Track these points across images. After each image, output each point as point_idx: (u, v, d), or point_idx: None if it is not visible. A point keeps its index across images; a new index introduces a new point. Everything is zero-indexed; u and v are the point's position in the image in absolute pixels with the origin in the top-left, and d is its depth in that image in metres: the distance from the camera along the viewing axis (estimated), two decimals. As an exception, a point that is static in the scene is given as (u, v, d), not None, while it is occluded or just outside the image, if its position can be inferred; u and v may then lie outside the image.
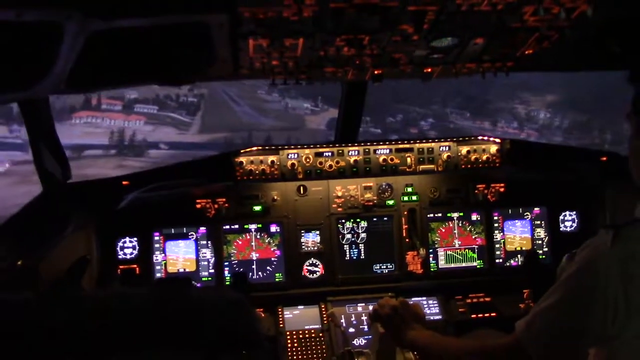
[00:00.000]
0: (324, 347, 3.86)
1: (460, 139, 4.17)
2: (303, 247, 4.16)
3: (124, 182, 3.98)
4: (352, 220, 4.20)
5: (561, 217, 4.39)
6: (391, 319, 2.64)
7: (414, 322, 2.59)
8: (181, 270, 4.09)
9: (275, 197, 4.15)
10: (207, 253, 4.12)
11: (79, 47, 2.17)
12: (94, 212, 3.86)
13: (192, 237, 4.12)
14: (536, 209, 4.36)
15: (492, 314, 4.09)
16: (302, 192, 4.17)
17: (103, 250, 3.93)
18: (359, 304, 4.06)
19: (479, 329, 3.81)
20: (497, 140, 4.18)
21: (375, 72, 3.37)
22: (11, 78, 2.20)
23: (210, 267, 4.12)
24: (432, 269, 4.24)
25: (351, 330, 3.94)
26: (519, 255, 4.31)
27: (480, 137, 4.20)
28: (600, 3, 2.58)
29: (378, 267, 4.21)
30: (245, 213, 4.14)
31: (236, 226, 4.15)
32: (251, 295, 3.72)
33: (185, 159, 4.83)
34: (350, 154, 4.04)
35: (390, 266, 4.21)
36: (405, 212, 4.22)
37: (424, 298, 4.14)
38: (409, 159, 4.08)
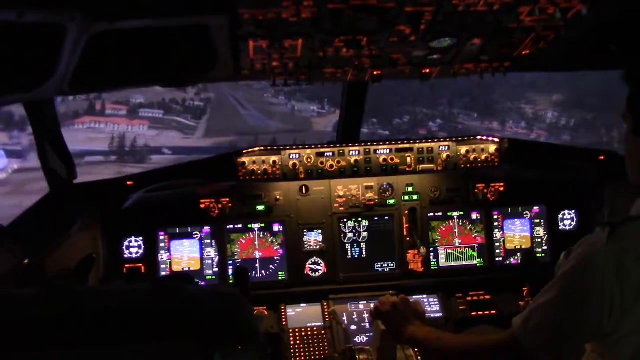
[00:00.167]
0: (326, 344, 3.90)
1: (460, 138, 4.20)
2: (305, 246, 4.20)
3: (128, 183, 4.05)
4: (353, 219, 4.23)
5: (560, 216, 4.41)
6: (392, 316, 2.65)
7: (414, 318, 2.61)
8: (186, 269, 4.13)
9: (278, 197, 4.18)
10: (212, 252, 4.16)
11: (81, 49, 2.21)
12: (99, 212, 3.91)
13: (197, 237, 4.16)
14: (535, 207, 4.38)
15: (492, 312, 4.10)
16: (304, 192, 4.21)
17: (109, 249, 3.98)
18: (360, 302, 4.09)
19: (477, 325, 3.83)
20: (496, 139, 4.21)
21: (375, 72, 3.42)
22: (15, 79, 2.23)
23: (215, 266, 4.16)
24: (432, 268, 4.27)
25: (353, 327, 3.97)
26: (518, 254, 4.33)
27: (479, 137, 4.23)
28: (596, 3, 2.61)
29: (379, 266, 4.24)
30: (249, 213, 4.17)
31: (240, 226, 4.19)
32: (253, 291, 3.74)
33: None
34: (350, 154, 4.08)
35: (392, 265, 4.24)
36: (406, 212, 4.25)
37: (425, 296, 4.18)
38: (408, 159, 4.11)
